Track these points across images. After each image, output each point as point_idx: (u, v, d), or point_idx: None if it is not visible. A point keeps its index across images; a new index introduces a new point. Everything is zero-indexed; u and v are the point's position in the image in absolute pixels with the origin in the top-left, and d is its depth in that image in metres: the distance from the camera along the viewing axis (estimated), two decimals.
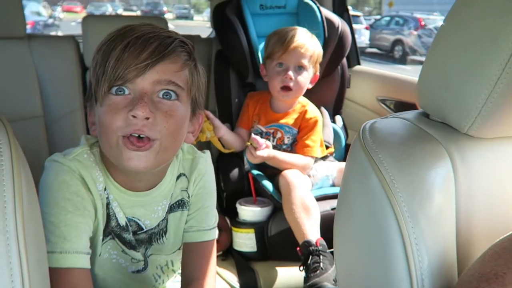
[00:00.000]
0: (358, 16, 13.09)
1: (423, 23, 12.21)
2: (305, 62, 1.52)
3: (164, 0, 32.20)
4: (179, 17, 27.38)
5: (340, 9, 2.08)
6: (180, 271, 0.98)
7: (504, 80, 0.55)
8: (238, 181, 1.55)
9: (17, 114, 1.62)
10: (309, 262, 1.24)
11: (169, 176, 0.89)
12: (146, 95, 0.73)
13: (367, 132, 0.68)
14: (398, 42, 12.27)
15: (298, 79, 1.52)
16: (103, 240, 0.85)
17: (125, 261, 0.91)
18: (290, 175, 1.42)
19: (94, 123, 0.81)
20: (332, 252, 1.21)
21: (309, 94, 1.65)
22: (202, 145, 1.72)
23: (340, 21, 1.77)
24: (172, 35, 0.77)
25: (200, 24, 18.94)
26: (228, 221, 1.49)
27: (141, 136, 0.73)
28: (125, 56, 0.72)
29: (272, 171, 1.51)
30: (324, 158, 1.63)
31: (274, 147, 1.51)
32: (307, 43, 1.52)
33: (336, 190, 1.51)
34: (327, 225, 1.23)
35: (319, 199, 1.42)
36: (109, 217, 0.85)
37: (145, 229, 0.89)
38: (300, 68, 1.53)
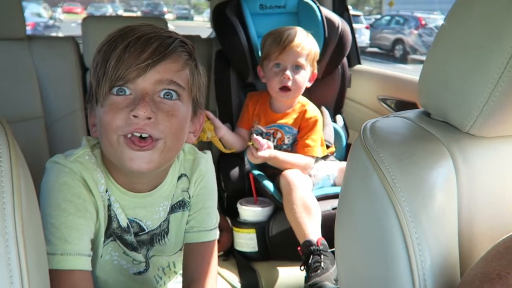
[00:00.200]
0: (358, 16, 13.10)
1: (423, 22, 12.21)
2: (302, 61, 1.52)
3: (164, 1, 32.22)
4: (179, 17, 27.43)
5: (340, 8, 2.07)
6: (181, 272, 0.98)
7: (506, 78, 0.55)
8: (239, 181, 1.55)
9: (17, 115, 1.62)
10: (310, 261, 1.24)
11: (170, 176, 0.89)
12: (147, 95, 0.73)
13: (368, 132, 0.68)
14: (398, 41, 12.28)
15: (296, 78, 1.52)
16: (104, 241, 0.85)
17: (126, 262, 0.91)
18: (291, 175, 1.41)
19: (94, 125, 0.81)
20: (333, 252, 1.21)
21: (309, 94, 1.65)
22: (203, 146, 1.72)
23: (340, 20, 1.76)
24: (172, 35, 0.77)
25: (200, 25, 18.95)
26: (229, 221, 1.49)
27: (143, 136, 0.73)
28: (126, 56, 0.72)
29: (273, 171, 1.51)
30: (325, 157, 1.63)
31: (275, 147, 1.51)
32: (303, 41, 1.52)
33: (337, 189, 1.51)
34: (328, 225, 1.23)
35: (320, 198, 1.42)
36: (110, 218, 0.84)
37: (146, 230, 0.89)
38: (297, 67, 1.52)
